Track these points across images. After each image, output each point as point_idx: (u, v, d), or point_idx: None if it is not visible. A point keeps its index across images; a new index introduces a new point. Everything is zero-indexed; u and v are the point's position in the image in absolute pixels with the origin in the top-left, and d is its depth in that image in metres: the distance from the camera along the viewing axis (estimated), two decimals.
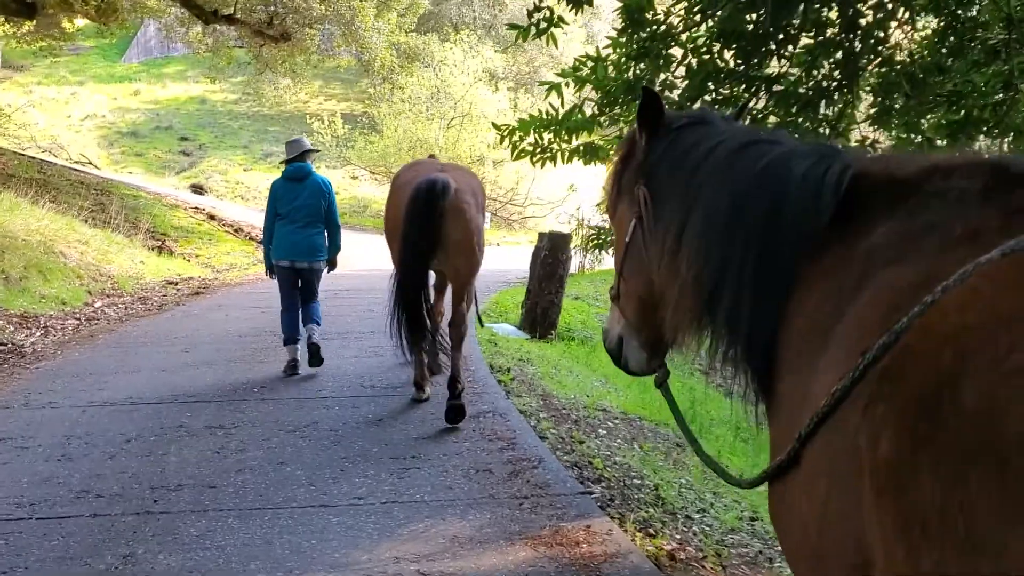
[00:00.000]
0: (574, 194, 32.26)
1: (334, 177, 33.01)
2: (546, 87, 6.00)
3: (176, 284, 15.70)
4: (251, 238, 22.69)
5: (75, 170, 26.84)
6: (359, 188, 32.68)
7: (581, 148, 5.95)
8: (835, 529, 1.47)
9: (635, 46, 5.55)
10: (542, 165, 6.27)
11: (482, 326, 9.61)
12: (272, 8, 23.48)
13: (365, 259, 20.66)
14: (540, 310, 11.03)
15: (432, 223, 6.33)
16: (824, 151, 1.96)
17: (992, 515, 1.12)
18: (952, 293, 1.34)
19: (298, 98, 38.81)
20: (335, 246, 8.52)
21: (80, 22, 34.88)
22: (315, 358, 8.13)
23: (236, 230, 23.41)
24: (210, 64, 28.99)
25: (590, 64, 5.79)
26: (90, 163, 30.58)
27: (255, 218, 26.28)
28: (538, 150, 6.11)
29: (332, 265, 8.64)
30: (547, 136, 6.05)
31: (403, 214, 6.42)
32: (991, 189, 1.52)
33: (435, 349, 7.46)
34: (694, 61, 5.46)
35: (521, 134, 6.09)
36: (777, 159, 1.97)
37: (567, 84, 5.88)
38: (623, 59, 5.63)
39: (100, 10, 24.19)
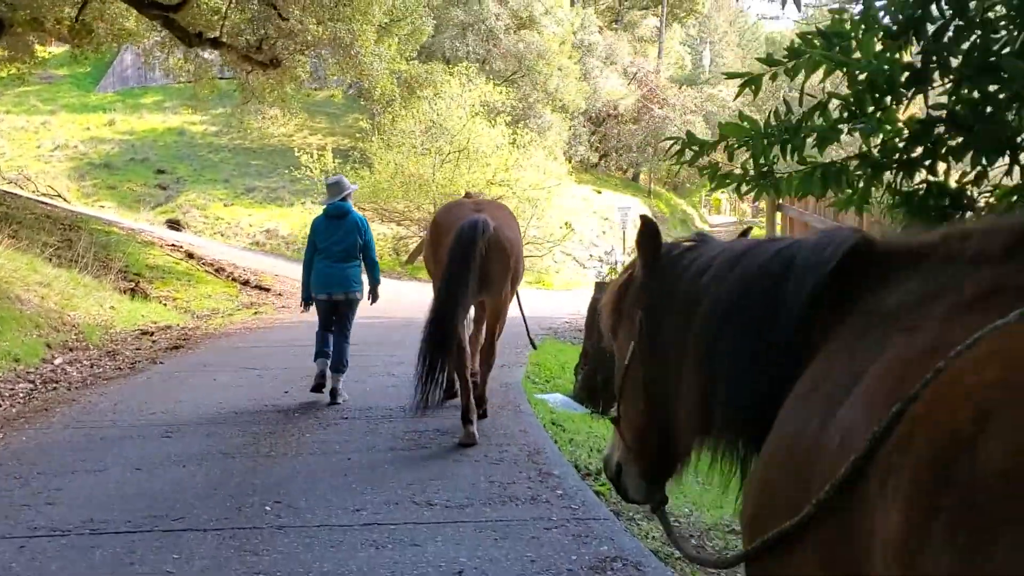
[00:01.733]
0: (572, 233, 30.55)
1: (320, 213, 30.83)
2: (738, 79, 3.92)
3: (151, 335, 13.40)
4: (233, 279, 20.40)
5: (42, 203, 24.43)
6: None
7: (819, 172, 3.82)
8: None
9: None
10: (756, 196, 4.18)
11: (535, 348, 9.36)
12: (262, 31, 21.35)
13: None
14: (601, 378, 8.89)
15: (475, 263, 6.71)
16: (835, 234, 1.91)
17: None
18: (966, 357, 1.29)
19: (283, 132, 36.63)
20: (374, 279, 8.87)
21: (53, 48, 32.71)
22: (332, 400, 8.39)
23: (217, 270, 21.09)
24: (191, 93, 26.77)
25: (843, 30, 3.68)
26: (58, 196, 28.14)
27: (237, 256, 24.02)
28: (747, 177, 3.99)
29: (374, 297, 8.90)
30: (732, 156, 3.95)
31: (446, 256, 6.78)
32: (1012, 248, 1.47)
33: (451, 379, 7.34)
34: None
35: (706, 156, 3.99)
36: (780, 252, 1.99)
37: (776, 74, 3.80)
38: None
39: (74, 31, 21.98)
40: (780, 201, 15.10)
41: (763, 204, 49.58)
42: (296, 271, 23.98)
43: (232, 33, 21.76)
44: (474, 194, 9.68)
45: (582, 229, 32.04)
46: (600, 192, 38.45)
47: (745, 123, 3.84)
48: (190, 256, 21.81)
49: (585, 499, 5.50)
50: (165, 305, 16.46)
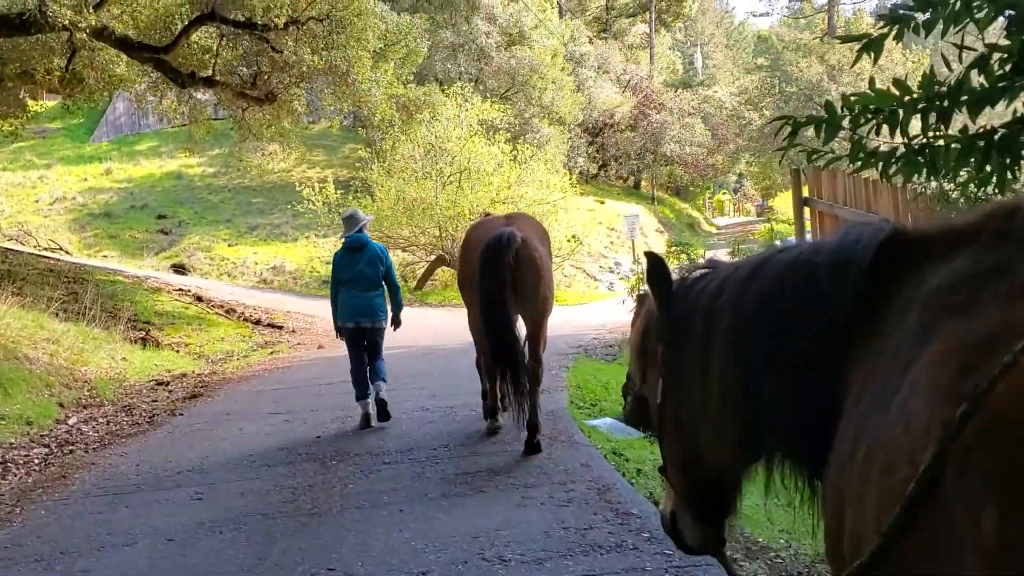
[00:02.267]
0: (581, 246, 29.94)
1: (326, 246, 30.23)
2: (854, 42, 3.34)
3: (167, 384, 12.79)
4: (245, 319, 19.82)
5: (44, 257, 23.90)
6: None
7: (983, 142, 3.20)
8: None
9: None
10: (908, 176, 3.59)
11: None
12: (255, 67, 20.83)
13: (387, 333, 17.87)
14: None
15: (506, 273, 6.83)
16: (863, 229, 1.83)
17: None
18: None
19: (281, 167, 36.12)
20: (398, 304, 9.08)
21: (45, 100, 32.27)
22: (382, 413, 8.51)
23: (227, 311, 20.52)
24: (187, 136, 26.25)
25: None
26: (60, 249, 27.60)
27: (246, 296, 23.46)
28: (895, 155, 3.39)
29: (396, 323, 9.06)
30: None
31: (478, 269, 6.96)
32: None
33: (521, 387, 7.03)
34: None
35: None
36: (799, 257, 1.92)
37: (901, 32, 3.21)
38: None
39: (65, 81, 21.50)
40: (807, 195, 14.57)
41: (773, 202, 48.92)
42: (307, 305, 23.63)
43: (225, 71, 21.25)
44: (494, 215, 9.55)
45: (589, 241, 31.42)
46: (603, 202, 37.87)
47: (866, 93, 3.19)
48: (199, 299, 21.25)
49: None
50: (178, 352, 15.86)
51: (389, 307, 9.01)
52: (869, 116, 3.27)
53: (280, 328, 19.25)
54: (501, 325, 6.92)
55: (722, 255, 26.71)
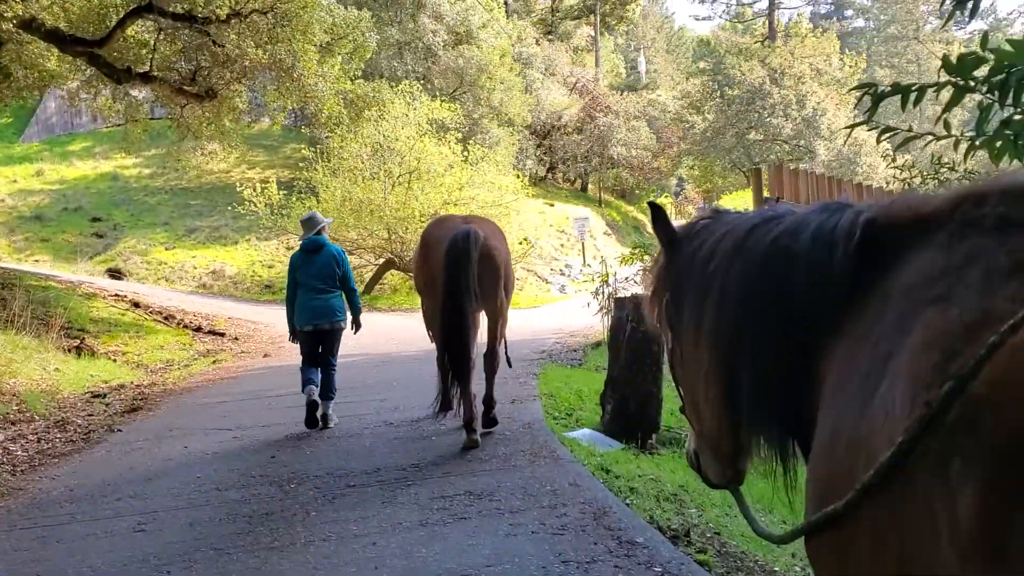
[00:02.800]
0: (532, 248, 29.38)
1: (267, 249, 29.25)
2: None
3: (104, 397, 11.89)
4: (185, 326, 18.85)
5: None
6: None
7: None
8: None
9: None
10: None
11: (510, 367, 8.40)
12: (195, 62, 19.88)
13: None
14: (635, 406, 7.71)
15: (468, 270, 6.99)
16: (832, 207, 1.88)
17: None
18: (1021, 334, 1.21)
19: (221, 168, 34.95)
20: (355, 308, 9.03)
21: None
22: (324, 425, 8.48)
23: (166, 318, 19.51)
24: (122, 136, 25.07)
25: None
26: None
27: (185, 301, 22.44)
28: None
29: (357, 325, 9.06)
30: None
31: (441, 265, 7.08)
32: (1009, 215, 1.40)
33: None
34: None
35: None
36: (784, 231, 1.92)
37: None
38: None
39: None
40: (767, 195, 14.22)
41: (720, 203, 48.85)
42: (249, 311, 22.68)
43: (163, 66, 20.26)
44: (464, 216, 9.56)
45: (540, 243, 30.91)
46: (552, 205, 37.39)
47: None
48: (136, 305, 20.20)
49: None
50: (115, 361, 14.90)
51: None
52: (1004, 76, 2.69)
53: (222, 335, 18.33)
54: (460, 320, 7.09)
55: None
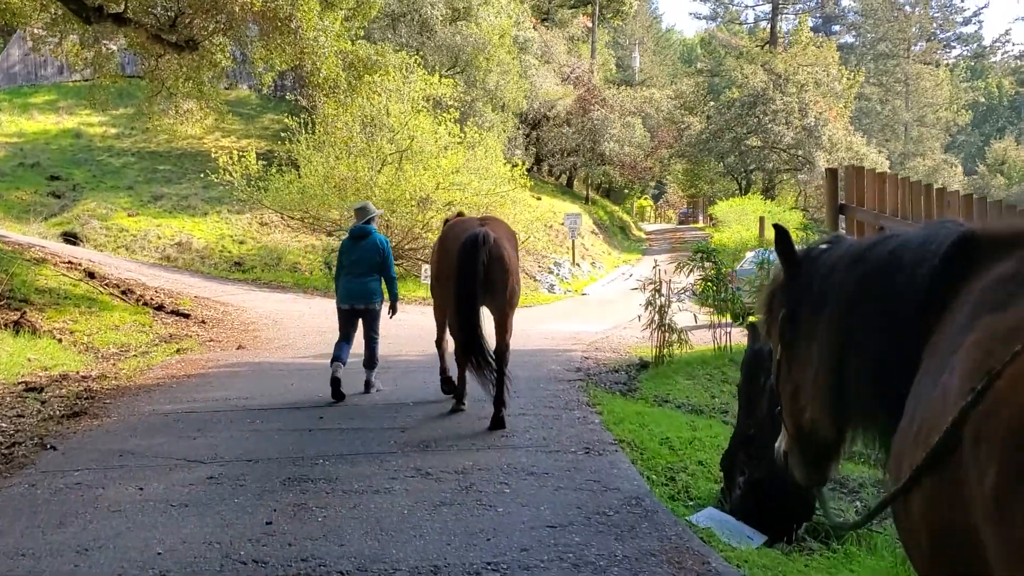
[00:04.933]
0: (524, 243, 27.12)
1: (239, 223, 26.64)
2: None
3: (40, 392, 9.45)
4: (145, 303, 16.30)
5: None
6: (271, 236, 26.33)
7: None
8: (948, 551, 1.64)
9: None
10: None
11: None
12: (175, 6, 17.30)
13: (301, 333, 14.57)
14: (780, 481, 5.42)
15: (479, 268, 7.48)
16: (944, 223, 2.11)
17: None
18: None
19: (192, 134, 32.17)
20: (393, 294, 9.44)
21: None
22: (366, 390, 9.28)
23: (124, 292, 16.92)
24: (89, 91, 22.27)
25: None
26: None
27: (146, 274, 19.88)
28: None
29: (393, 310, 9.45)
30: None
31: (455, 264, 7.62)
32: None
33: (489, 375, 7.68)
34: None
35: None
36: (899, 243, 2.16)
37: None
38: None
39: None
40: (843, 201, 12.18)
41: (714, 210, 46.75)
42: (217, 290, 20.08)
43: (140, 8, 17.63)
44: (465, 215, 9.93)
45: (530, 239, 28.62)
46: (539, 199, 35.10)
47: None
48: (91, 276, 17.56)
49: None
50: (60, 341, 12.38)
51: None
52: None
53: (187, 317, 15.83)
54: (471, 317, 7.57)
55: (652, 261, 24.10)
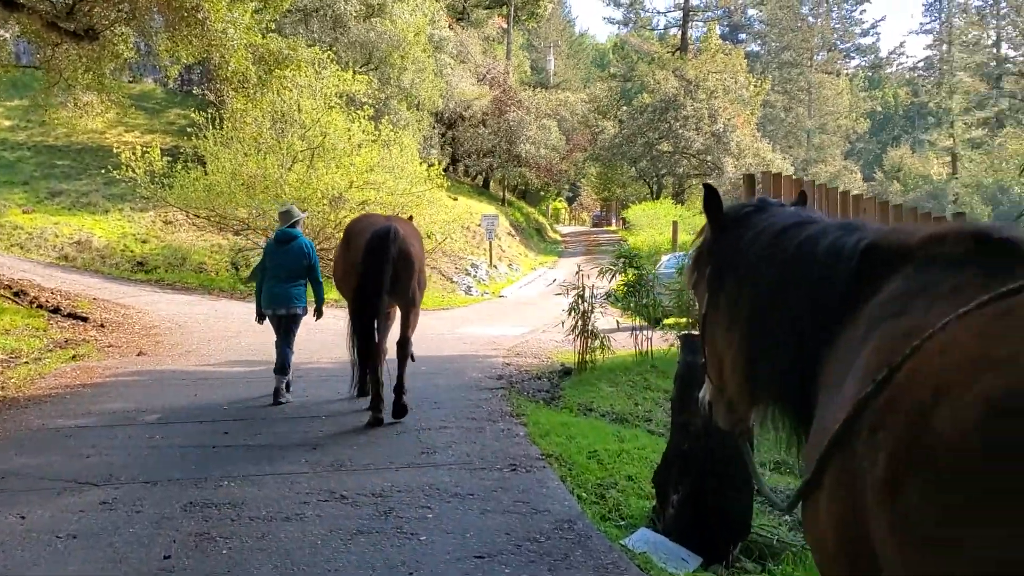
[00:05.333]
0: (441, 244, 26.64)
1: (143, 221, 25.50)
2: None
3: None
4: (39, 305, 15.37)
5: None
6: (176, 235, 25.27)
7: None
8: (848, 546, 1.70)
9: None
10: None
11: (413, 360, 8.37)
12: None
13: (206, 338, 13.87)
14: (717, 497, 5.15)
15: (386, 264, 7.55)
16: (850, 225, 2.24)
17: (961, 518, 1.36)
18: (934, 339, 1.59)
19: (93, 128, 30.71)
20: (319, 298, 9.32)
21: None
22: (276, 400, 8.86)
23: (16, 293, 15.92)
24: None
25: None
26: None
27: (41, 275, 18.80)
28: None
29: (318, 313, 9.41)
30: None
31: (360, 259, 7.69)
32: (973, 253, 1.77)
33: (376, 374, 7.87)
34: None
35: None
36: (808, 238, 2.25)
37: None
38: None
39: None
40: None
41: (628, 213, 47.06)
42: (118, 291, 19.09)
43: None
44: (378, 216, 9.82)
45: (447, 240, 28.14)
46: (456, 199, 34.65)
47: None
48: None
49: None
50: None
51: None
52: None
53: (85, 320, 14.94)
54: (373, 312, 7.66)
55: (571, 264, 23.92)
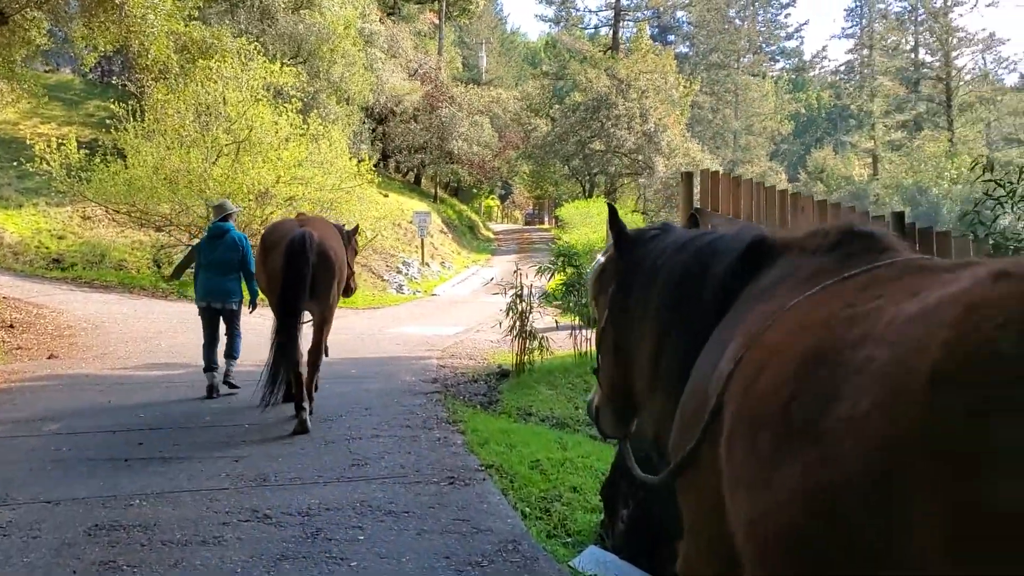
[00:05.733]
0: (372, 242, 26.00)
1: (59, 216, 24.35)
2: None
3: None
4: None
5: None
6: (94, 231, 24.20)
7: None
8: (713, 521, 1.80)
9: None
10: None
11: (327, 355, 8.56)
12: None
13: (124, 339, 13.13)
14: (667, 511, 4.83)
15: (305, 270, 7.45)
16: (745, 228, 2.44)
17: (769, 462, 1.51)
18: (782, 317, 1.79)
19: (6, 118, 29.28)
20: (253, 291, 9.27)
21: None
22: (229, 385, 9.20)
23: None
24: None
25: None
26: None
27: None
28: None
29: (252, 306, 9.31)
30: None
31: (280, 267, 7.52)
32: (837, 244, 1.98)
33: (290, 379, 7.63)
34: None
35: None
36: (705, 244, 2.46)
37: None
38: None
39: None
40: (698, 205, 11.90)
41: (560, 211, 46.82)
42: (31, 290, 18.05)
43: None
44: (305, 215, 9.69)
45: (378, 237, 27.50)
46: (387, 196, 34.00)
47: None
48: None
49: None
50: None
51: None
52: None
53: None
54: (292, 320, 7.50)
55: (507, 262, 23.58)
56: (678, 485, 2.04)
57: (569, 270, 10.88)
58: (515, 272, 10.34)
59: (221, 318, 9.13)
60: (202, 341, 9.24)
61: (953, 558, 1.17)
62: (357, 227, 10.08)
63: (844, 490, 1.34)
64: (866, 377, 1.37)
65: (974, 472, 1.16)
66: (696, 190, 11.80)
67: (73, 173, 21.32)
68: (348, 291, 9.37)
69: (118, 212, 23.40)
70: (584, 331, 11.22)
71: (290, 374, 7.51)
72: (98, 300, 18.04)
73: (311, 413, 7.63)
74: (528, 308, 10.20)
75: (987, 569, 1.15)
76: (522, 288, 10.21)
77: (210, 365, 9.10)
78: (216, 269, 8.93)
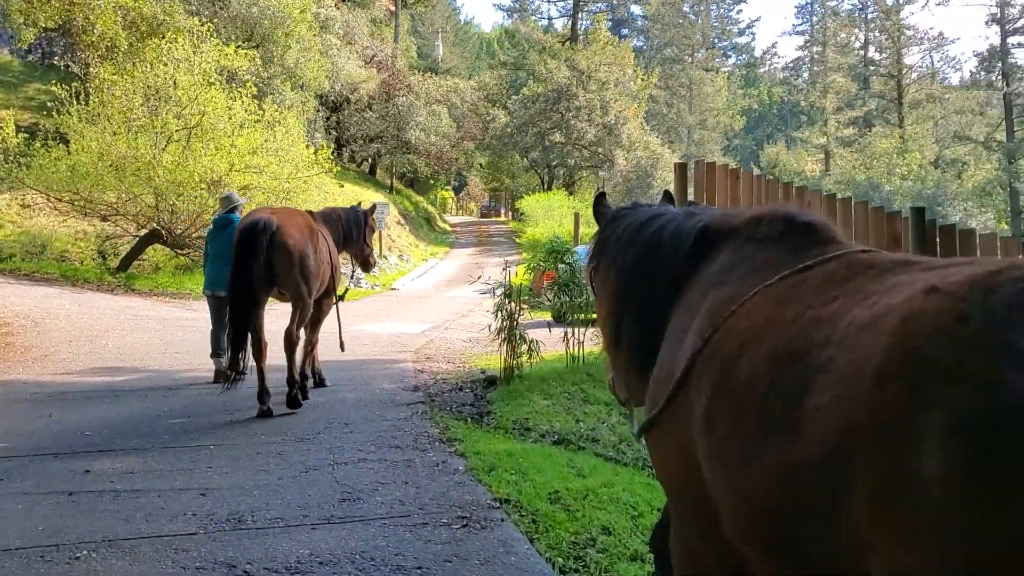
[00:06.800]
0: None
1: None
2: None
3: None
4: None
5: None
6: (34, 220, 22.73)
7: None
8: (684, 460, 2.04)
9: None
10: None
11: (342, 350, 9.19)
12: None
13: (67, 338, 11.94)
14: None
15: (258, 257, 7.55)
16: (692, 213, 2.68)
17: (752, 440, 1.71)
18: (746, 305, 1.98)
19: None
20: None
21: None
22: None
23: None
24: None
25: None
26: None
27: None
28: None
29: None
30: None
31: (233, 252, 7.67)
32: (784, 233, 2.18)
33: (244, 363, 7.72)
34: None
35: None
36: (660, 227, 2.67)
37: None
38: None
39: None
40: (692, 199, 11.12)
41: (522, 204, 45.88)
42: None
43: None
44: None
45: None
46: (343, 186, 32.79)
47: None
48: None
49: None
50: None
51: None
52: None
53: None
54: (243, 303, 7.59)
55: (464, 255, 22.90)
56: (648, 439, 2.35)
57: (562, 268, 9.96)
58: (504, 269, 9.42)
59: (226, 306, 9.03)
60: (209, 328, 9.63)
61: (880, 503, 1.39)
62: (375, 205, 10.73)
63: (811, 468, 1.55)
64: (829, 375, 1.59)
65: (905, 446, 1.36)
66: (690, 178, 10.96)
67: (11, 159, 19.90)
68: (367, 265, 10.40)
69: (60, 200, 21.95)
70: (573, 330, 10.33)
71: (261, 360, 7.70)
72: (38, 294, 16.70)
73: (305, 398, 8.11)
74: (517, 309, 9.28)
75: (902, 516, 1.34)
76: (511, 287, 9.28)
77: (216, 351, 9.31)
78: (222, 259, 8.92)
